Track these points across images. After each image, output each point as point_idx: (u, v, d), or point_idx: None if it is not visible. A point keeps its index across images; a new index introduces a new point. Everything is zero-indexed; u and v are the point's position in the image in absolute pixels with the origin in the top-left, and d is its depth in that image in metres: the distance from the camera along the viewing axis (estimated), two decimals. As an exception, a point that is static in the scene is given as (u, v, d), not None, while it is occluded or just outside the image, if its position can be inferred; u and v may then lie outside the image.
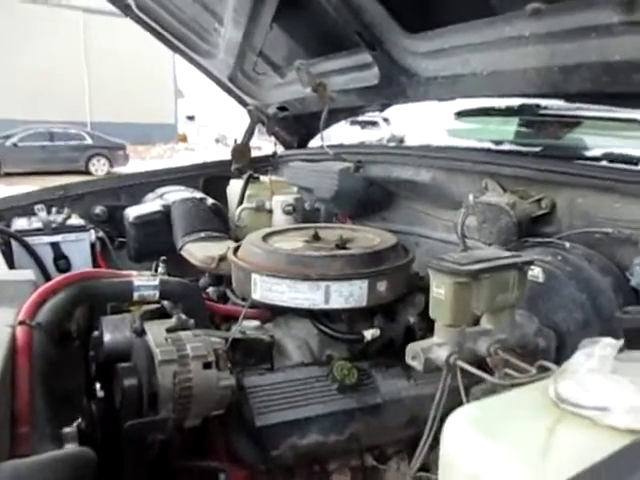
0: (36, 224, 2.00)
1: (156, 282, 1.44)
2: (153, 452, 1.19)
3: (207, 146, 25.73)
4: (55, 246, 1.97)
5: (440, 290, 1.07)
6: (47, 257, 1.95)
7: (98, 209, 2.35)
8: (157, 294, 1.43)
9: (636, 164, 1.30)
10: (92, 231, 2.08)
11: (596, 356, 0.63)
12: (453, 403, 1.07)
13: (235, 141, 2.64)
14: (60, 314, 1.23)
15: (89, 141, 16.77)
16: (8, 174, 15.07)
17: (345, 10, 1.64)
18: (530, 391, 0.65)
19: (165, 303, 1.48)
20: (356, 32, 1.70)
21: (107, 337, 1.31)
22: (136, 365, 1.20)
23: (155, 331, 1.24)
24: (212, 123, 30.91)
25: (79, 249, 2.02)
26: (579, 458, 0.47)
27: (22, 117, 17.99)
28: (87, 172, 16.16)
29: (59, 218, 2.04)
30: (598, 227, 1.27)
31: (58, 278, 1.32)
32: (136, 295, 1.41)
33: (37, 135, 16.15)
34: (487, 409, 0.63)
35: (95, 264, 2.06)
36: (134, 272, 1.57)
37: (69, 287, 1.30)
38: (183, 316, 1.32)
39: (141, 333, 1.26)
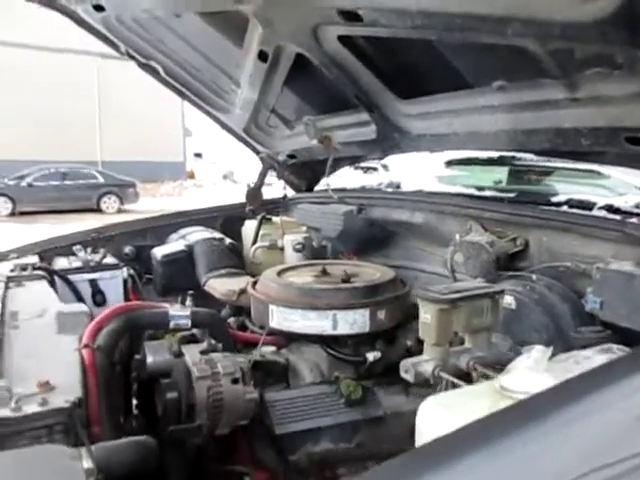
0: (76, 263, 2.26)
1: (188, 312, 1.69)
2: (191, 455, 1.42)
3: (215, 183, 26.18)
4: (93, 282, 2.22)
5: (427, 315, 1.32)
6: (86, 292, 2.20)
7: (127, 249, 2.61)
8: (189, 323, 1.68)
9: (590, 209, 1.56)
10: (124, 269, 2.34)
11: (532, 358, 0.87)
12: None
13: (248, 185, 2.91)
14: (113, 339, 1.48)
15: (100, 180, 17.21)
16: (23, 213, 15.52)
17: (344, 79, 1.94)
18: (484, 385, 0.89)
19: (195, 331, 1.73)
20: (356, 96, 1.99)
21: (150, 359, 1.54)
22: (176, 381, 1.44)
23: (191, 353, 1.48)
24: (219, 160, 31.52)
25: (113, 285, 2.27)
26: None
27: (37, 158, 18.48)
28: (99, 210, 16.58)
29: (96, 257, 2.30)
30: (561, 262, 1.52)
31: (110, 309, 1.57)
32: (172, 324, 1.65)
33: (50, 175, 16.66)
34: (452, 396, 0.86)
35: (127, 298, 2.31)
36: (167, 304, 1.82)
37: (118, 317, 1.55)
38: (213, 341, 1.57)
39: (179, 355, 1.50)
